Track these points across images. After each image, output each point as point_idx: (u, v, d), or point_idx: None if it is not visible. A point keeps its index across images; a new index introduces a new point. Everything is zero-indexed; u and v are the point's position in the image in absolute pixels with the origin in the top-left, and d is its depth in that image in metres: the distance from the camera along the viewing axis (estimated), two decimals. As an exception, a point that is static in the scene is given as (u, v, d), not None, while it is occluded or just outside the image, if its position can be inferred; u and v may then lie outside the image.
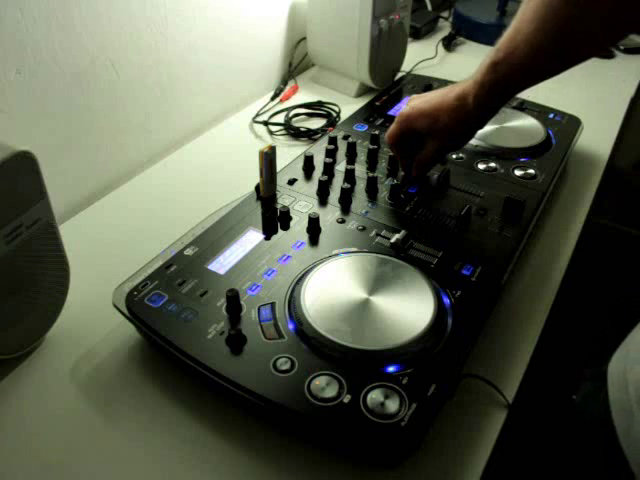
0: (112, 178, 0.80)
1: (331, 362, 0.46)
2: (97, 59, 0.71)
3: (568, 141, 0.79)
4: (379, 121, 0.83)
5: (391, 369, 0.46)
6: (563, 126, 0.82)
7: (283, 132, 0.89)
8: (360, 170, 0.71)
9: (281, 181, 0.68)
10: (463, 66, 1.10)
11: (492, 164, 0.73)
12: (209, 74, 0.90)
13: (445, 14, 1.31)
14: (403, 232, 0.59)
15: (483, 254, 0.58)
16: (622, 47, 1.19)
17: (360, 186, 0.68)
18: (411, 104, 0.65)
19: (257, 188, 0.66)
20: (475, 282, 0.55)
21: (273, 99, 0.98)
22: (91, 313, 0.58)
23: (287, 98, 0.99)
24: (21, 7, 0.61)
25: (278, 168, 0.67)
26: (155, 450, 0.47)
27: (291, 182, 0.69)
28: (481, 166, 0.73)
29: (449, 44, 1.19)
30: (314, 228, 0.60)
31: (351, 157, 0.74)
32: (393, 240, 0.58)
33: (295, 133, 0.88)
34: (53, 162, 0.69)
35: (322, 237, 0.60)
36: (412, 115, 0.64)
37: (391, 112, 0.86)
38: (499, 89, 0.57)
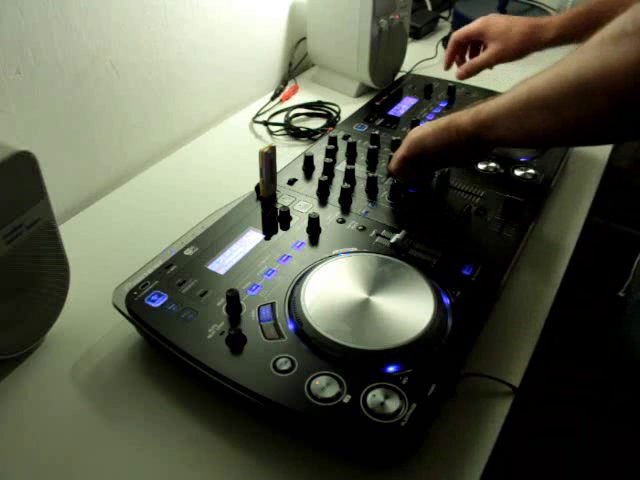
0: (112, 178, 0.80)
1: (331, 362, 0.46)
2: (97, 59, 0.71)
3: (568, 141, 0.79)
4: (379, 121, 0.83)
5: (391, 369, 0.46)
6: (563, 126, 0.82)
7: (283, 132, 0.89)
8: (360, 170, 0.71)
9: (281, 181, 0.68)
10: (463, 66, 1.11)
11: (492, 164, 0.73)
12: (209, 74, 0.90)
13: (445, 14, 1.31)
14: (403, 232, 0.59)
15: (483, 254, 0.58)
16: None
17: (360, 186, 0.68)
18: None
19: (257, 188, 0.66)
20: (475, 282, 0.55)
21: (273, 99, 0.98)
22: (91, 313, 0.58)
23: (287, 98, 0.99)
24: (21, 7, 0.61)
25: (278, 168, 0.67)
26: (155, 450, 0.47)
27: (291, 182, 0.69)
28: (481, 166, 0.73)
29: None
30: (314, 228, 0.60)
31: (351, 157, 0.74)
32: (393, 240, 0.58)
33: (295, 133, 0.88)
34: (53, 162, 0.69)
35: (322, 237, 0.60)
36: (491, 18, 0.82)
37: (391, 112, 0.86)
38: None
